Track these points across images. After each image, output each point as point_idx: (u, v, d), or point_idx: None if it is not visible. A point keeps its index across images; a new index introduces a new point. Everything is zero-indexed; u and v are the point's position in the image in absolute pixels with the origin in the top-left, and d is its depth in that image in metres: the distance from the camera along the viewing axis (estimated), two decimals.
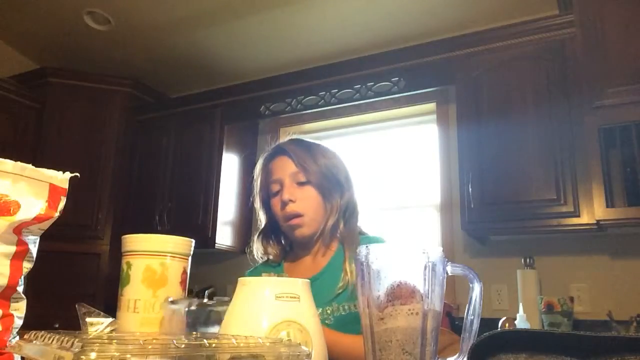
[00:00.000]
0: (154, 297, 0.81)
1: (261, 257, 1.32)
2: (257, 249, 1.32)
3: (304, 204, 1.21)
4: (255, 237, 1.33)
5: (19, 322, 0.70)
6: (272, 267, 1.30)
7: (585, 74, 2.33)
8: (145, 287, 0.81)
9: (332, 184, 1.25)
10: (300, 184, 1.22)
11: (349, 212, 1.27)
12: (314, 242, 1.25)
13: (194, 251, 0.88)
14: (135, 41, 3.49)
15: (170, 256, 0.83)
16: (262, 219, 1.32)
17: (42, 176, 0.72)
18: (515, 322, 2.39)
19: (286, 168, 1.24)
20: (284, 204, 1.20)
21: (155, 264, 0.82)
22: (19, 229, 0.69)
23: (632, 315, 2.26)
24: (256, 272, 1.33)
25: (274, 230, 1.31)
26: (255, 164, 1.33)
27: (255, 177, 1.32)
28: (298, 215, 1.20)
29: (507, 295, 2.68)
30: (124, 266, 0.83)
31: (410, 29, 3.09)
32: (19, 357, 0.60)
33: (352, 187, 1.30)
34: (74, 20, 3.32)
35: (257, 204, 1.32)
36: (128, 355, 0.41)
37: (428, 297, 0.60)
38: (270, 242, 1.31)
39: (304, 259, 1.27)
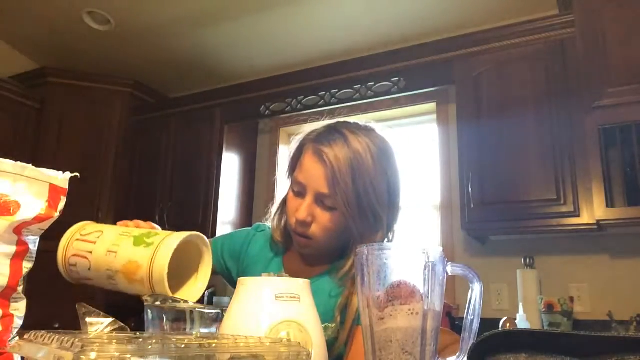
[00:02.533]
0: None
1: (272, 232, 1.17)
2: (272, 224, 1.16)
3: (319, 230, 1.02)
4: (274, 209, 1.16)
5: (19, 322, 0.70)
6: (271, 250, 1.17)
7: (585, 74, 2.33)
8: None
9: (367, 220, 1.01)
10: (327, 207, 1.00)
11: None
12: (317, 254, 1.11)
13: None
14: (135, 41, 3.49)
15: None
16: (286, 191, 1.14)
17: (42, 176, 0.72)
18: (516, 322, 2.39)
19: (315, 181, 1.00)
20: (298, 223, 1.02)
21: None
22: (19, 229, 0.69)
23: (632, 315, 2.26)
24: (264, 235, 1.19)
25: None
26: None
27: (290, 148, 1.11)
28: (307, 237, 1.03)
29: (507, 295, 2.68)
30: None
31: (410, 29, 3.09)
32: (19, 357, 0.60)
33: (393, 215, 1.07)
34: (74, 20, 3.32)
35: (287, 173, 1.12)
36: (128, 355, 0.41)
37: (428, 297, 0.60)
38: (281, 225, 1.15)
39: (301, 260, 1.15)
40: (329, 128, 1.06)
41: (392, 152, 1.08)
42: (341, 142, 1.00)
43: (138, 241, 0.80)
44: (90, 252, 0.81)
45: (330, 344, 1.00)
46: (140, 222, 0.94)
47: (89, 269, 0.81)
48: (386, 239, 1.08)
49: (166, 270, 0.75)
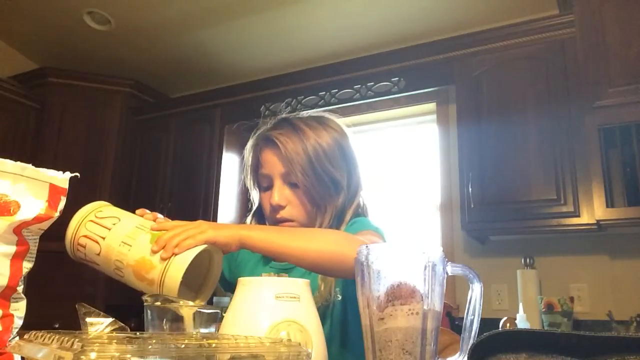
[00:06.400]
0: None
1: None
2: None
3: (295, 210, 1.09)
4: (249, 218, 1.23)
5: (19, 322, 0.70)
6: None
7: (585, 73, 2.33)
8: None
9: (325, 186, 1.09)
10: (292, 184, 1.09)
11: (345, 212, 1.13)
12: None
13: None
14: (135, 41, 3.49)
15: None
16: (254, 199, 1.21)
17: (42, 176, 0.72)
18: (516, 322, 2.39)
19: (276, 165, 1.09)
20: (274, 209, 1.09)
21: None
22: (19, 229, 0.69)
23: (632, 315, 2.26)
24: None
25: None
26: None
27: (245, 156, 1.19)
28: (288, 221, 1.10)
29: (507, 295, 2.68)
30: None
31: (410, 29, 3.08)
32: (19, 357, 0.60)
33: (353, 181, 1.15)
34: (74, 20, 3.32)
35: (249, 184, 1.20)
36: (128, 355, 0.41)
37: (428, 297, 0.60)
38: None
39: None
40: (274, 121, 1.18)
41: (337, 124, 1.18)
42: (286, 124, 1.12)
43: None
44: (103, 238, 0.78)
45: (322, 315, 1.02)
46: (159, 215, 0.93)
47: (98, 254, 0.78)
48: (355, 205, 1.15)
49: (180, 280, 0.74)
